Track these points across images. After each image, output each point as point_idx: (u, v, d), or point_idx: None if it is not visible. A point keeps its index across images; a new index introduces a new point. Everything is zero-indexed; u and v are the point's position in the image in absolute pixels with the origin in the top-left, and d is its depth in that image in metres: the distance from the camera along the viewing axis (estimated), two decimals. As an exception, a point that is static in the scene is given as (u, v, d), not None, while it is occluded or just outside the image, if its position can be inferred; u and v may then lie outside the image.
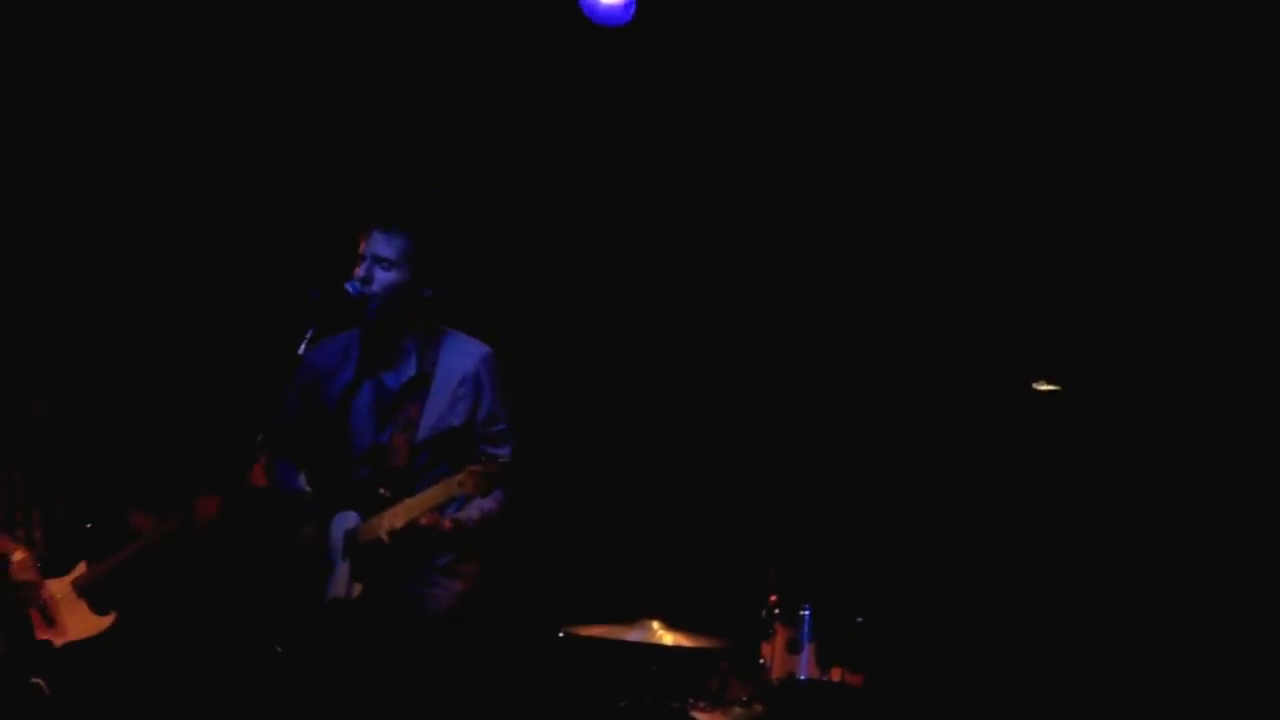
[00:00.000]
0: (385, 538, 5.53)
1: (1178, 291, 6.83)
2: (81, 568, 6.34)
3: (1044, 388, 6.93)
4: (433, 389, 5.73)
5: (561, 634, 6.26)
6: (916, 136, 7.08)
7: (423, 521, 5.54)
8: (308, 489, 5.84)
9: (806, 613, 6.19)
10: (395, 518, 5.54)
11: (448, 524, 5.61)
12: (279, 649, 6.01)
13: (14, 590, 6.20)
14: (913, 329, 7.18)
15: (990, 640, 6.81)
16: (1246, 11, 6.44)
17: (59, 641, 6.25)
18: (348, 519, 5.68)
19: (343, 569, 5.64)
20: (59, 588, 6.27)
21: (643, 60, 7.09)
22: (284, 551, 5.83)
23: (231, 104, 7.23)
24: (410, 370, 5.74)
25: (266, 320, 6.66)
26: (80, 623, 6.29)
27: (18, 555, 6.22)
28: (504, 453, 5.70)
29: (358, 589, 5.60)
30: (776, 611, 6.22)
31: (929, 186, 7.14)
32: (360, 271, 5.67)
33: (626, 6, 6.77)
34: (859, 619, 6.21)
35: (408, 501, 5.56)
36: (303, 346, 5.44)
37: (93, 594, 6.30)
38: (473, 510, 5.67)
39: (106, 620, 6.34)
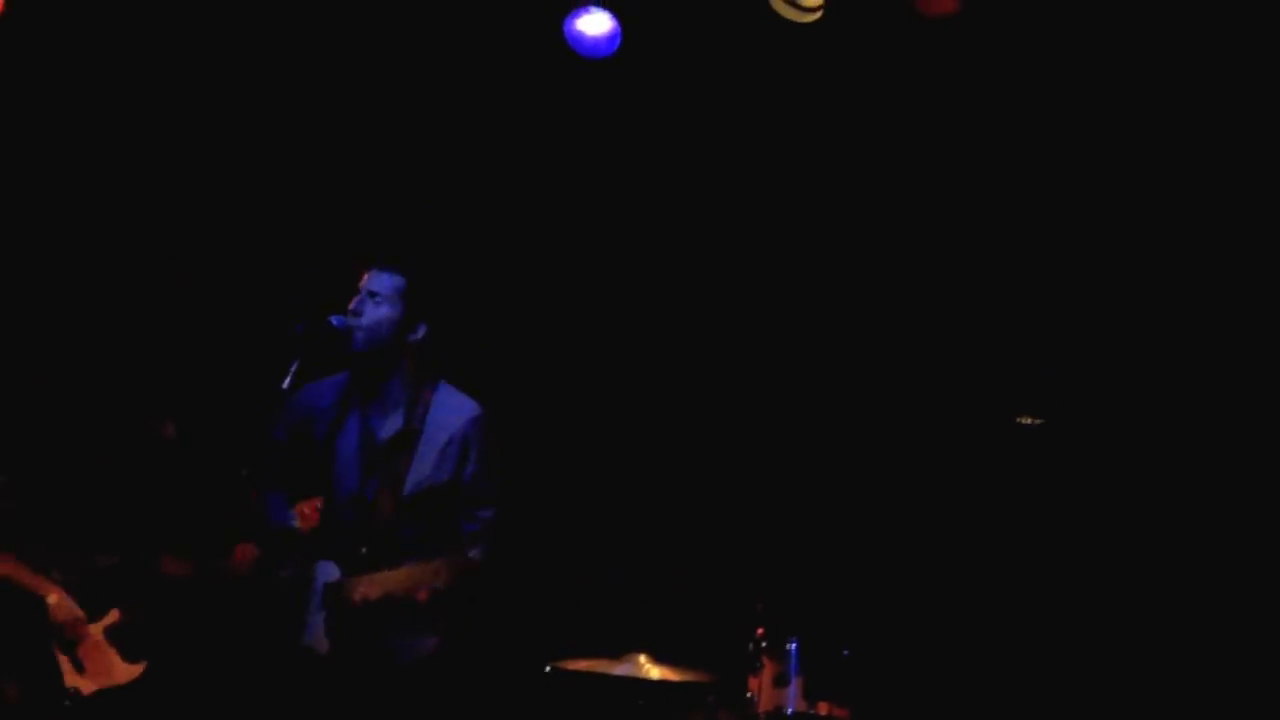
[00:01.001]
0: (359, 605, 5.50)
1: (1154, 330, 6.85)
2: (113, 614, 6.21)
3: (1028, 422, 6.94)
4: (420, 446, 5.68)
5: (548, 669, 6.23)
6: (901, 170, 7.11)
7: (401, 593, 5.51)
8: (297, 524, 5.82)
9: (793, 646, 6.16)
10: (370, 588, 5.50)
11: (423, 596, 5.56)
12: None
13: (59, 631, 6.06)
14: (898, 363, 7.19)
15: (976, 673, 6.81)
16: (1226, 57, 6.48)
17: (88, 689, 6.10)
18: (329, 570, 5.64)
19: (318, 621, 5.60)
20: (91, 631, 6.16)
21: (629, 92, 7.11)
22: (265, 588, 5.81)
23: (225, 137, 7.23)
24: (399, 423, 5.70)
25: (256, 355, 6.63)
26: (110, 670, 6.14)
27: (53, 598, 6.07)
28: (486, 515, 5.70)
29: (327, 645, 5.57)
30: (763, 645, 6.20)
31: (916, 223, 7.16)
32: (352, 305, 5.67)
33: (611, 39, 6.78)
34: (846, 652, 6.20)
35: (383, 575, 5.50)
36: (287, 380, 5.41)
37: (124, 641, 6.19)
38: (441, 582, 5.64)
39: (137, 669, 6.19)
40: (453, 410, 5.75)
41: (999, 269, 7.07)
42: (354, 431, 5.73)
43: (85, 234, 7.12)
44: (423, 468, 5.68)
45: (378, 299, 5.64)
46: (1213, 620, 6.64)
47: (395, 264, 5.68)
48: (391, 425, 5.71)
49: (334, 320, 5.61)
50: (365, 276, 5.69)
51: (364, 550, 5.57)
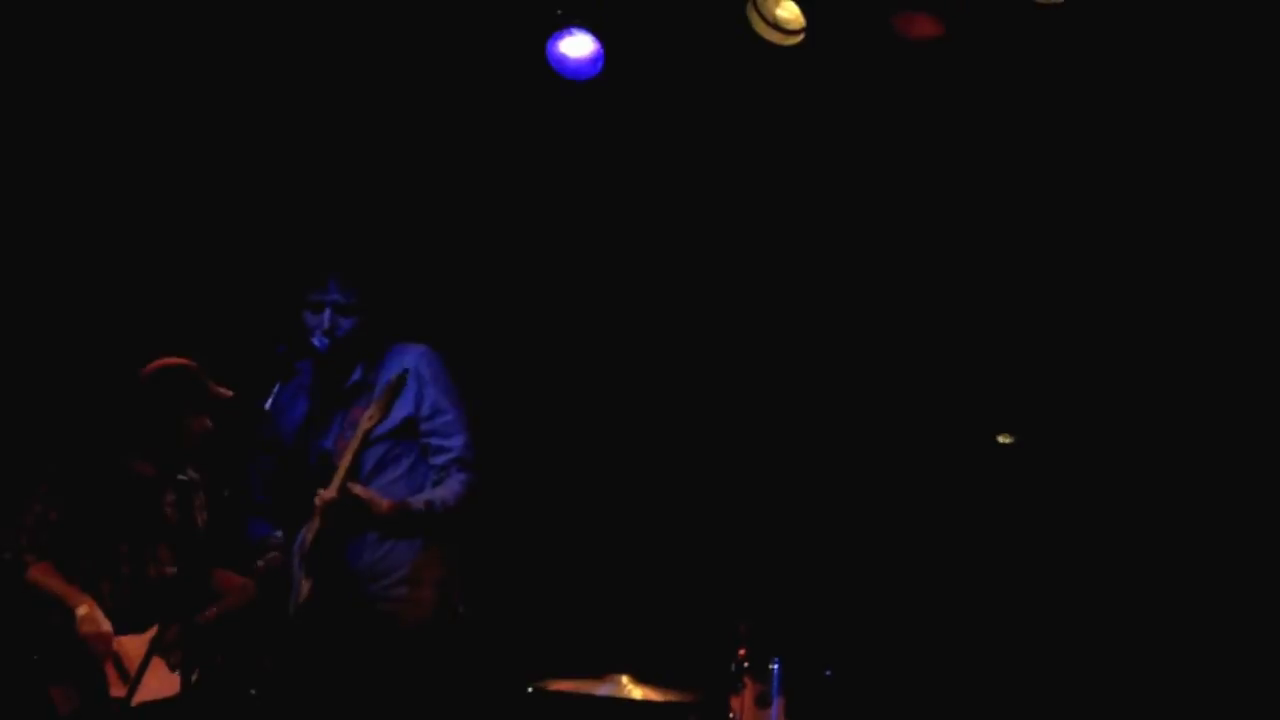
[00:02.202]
0: (322, 521, 5.50)
1: (1128, 351, 6.89)
2: (161, 625, 6.08)
3: (1007, 441, 6.97)
4: (375, 391, 5.74)
5: (530, 689, 6.23)
6: (883, 192, 7.14)
7: (357, 493, 5.51)
8: (279, 534, 5.84)
9: (776, 666, 6.17)
10: (327, 492, 5.51)
11: (385, 504, 5.57)
12: (252, 692, 5.97)
13: (84, 646, 5.96)
14: (878, 383, 7.21)
15: (959, 693, 6.81)
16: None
17: (135, 701, 5.86)
18: (300, 533, 5.69)
19: (299, 576, 5.64)
20: (136, 644, 6.02)
21: (611, 114, 7.14)
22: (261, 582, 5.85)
23: (202, 152, 7.23)
24: (356, 375, 5.79)
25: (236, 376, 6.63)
26: (156, 680, 5.99)
27: (82, 610, 5.94)
28: (455, 443, 5.72)
29: (307, 587, 5.58)
30: (746, 665, 6.20)
31: (896, 244, 7.19)
32: (325, 323, 5.70)
33: (594, 61, 6.81)
34: (828, 673, 6.21)
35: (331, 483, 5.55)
36: (269, 401, 5.44)
37: (171, 652, 6.06)
38: (418, 499, 5.66)
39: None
40: (401, 354, 5.85)
41: (978, 293, 7.10)
42: (326, 424, 5.80)
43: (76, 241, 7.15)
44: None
45: (346, 311, 5.70)
46: (1195, 635, 6.65)
47: (355, 274, 5.74)
48: (350, 380, 5.82)
49: (315, 342, 5.66)
50: (322, 289, 5.73)
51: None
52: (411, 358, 5.80)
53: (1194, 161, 6.68)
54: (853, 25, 6.65)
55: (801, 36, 6.66)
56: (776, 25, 6.70)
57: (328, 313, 5.70)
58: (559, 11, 6.76)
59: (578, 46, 6.80)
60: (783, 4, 6.67)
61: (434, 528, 5.69)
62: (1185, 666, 6.64)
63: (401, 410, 5.70)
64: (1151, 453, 6.81)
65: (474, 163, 7.32)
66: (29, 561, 6.04)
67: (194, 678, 5.90)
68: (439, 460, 5.73)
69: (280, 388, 5.48)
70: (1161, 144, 6.69)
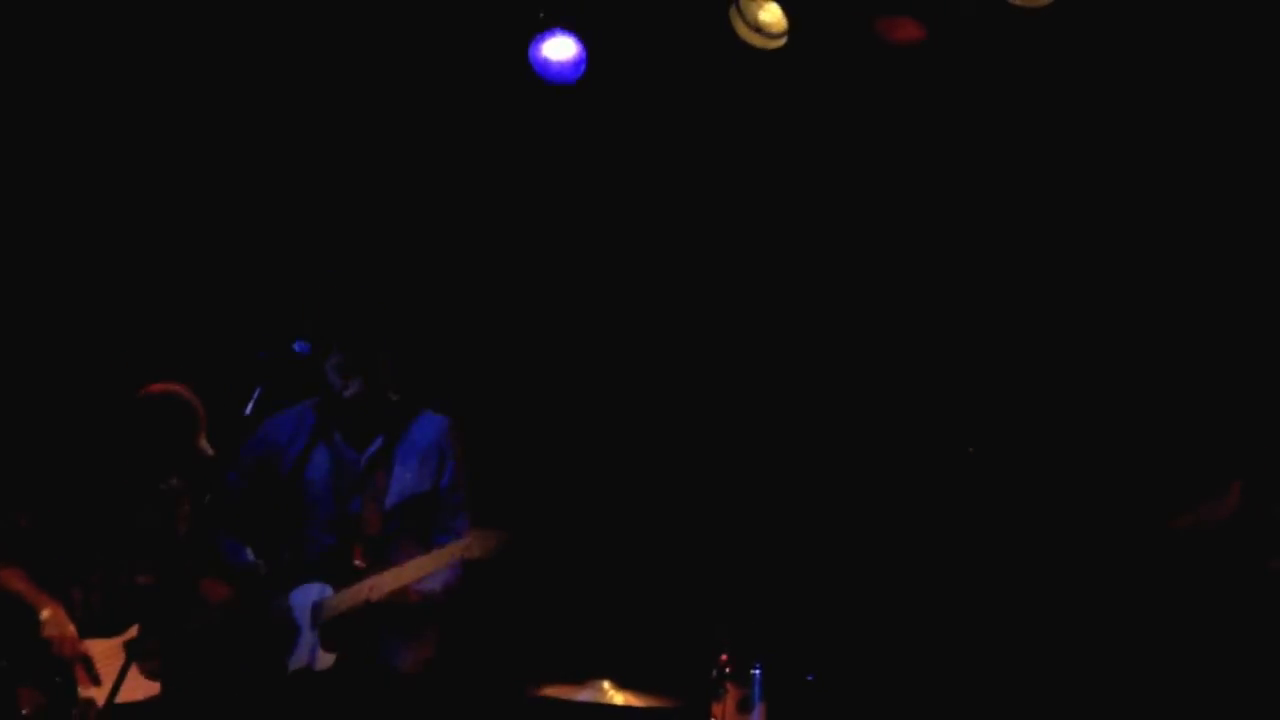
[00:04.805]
0: (367, 605, 5.51)
1: (1099, 362, 6.92)
2: (135, 630, 6.06)
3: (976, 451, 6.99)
4: (398, 457, 5.78)
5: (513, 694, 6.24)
6: (863, 199, 7.15)
7: (404, 587, 5.54)
8: (259, 561, 5.83)
9: (757, 672, 6.18)
10: (381, 586, 5.53)
11: (414, 597, 5.59)
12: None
13: (48, 646, 5.96)
14: (857, 389, 7.22)
15: (941, 697, 6.82)
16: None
17: (102, 701, 5.86)
18: (312, 590, 5.64)
19: (309, 639, 5.61)
20: (107, 647, 6.03)
21: (593, 118, 7.13)
22: (249, 624, 5.80)
23: (196, 165, 7.23)
24: (378, 444, 5.78)
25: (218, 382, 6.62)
26: (130, 686, 5.97)
27: (45, 613, 5.97)
28: (461, 525, 5.73)
29: (329, 660, 5.57)
30: (727, 671, 6.20)
31: (879, 251, 7.20)
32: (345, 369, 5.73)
33: (577, 64, 6.81)
34: (810, 678, 6.22)
35: (396, 570, 5.55)
36: (249, 407, 5.41)
37: (144, 657, 6.01)
38: (435, 582, 5.66)
39: (155, 685, 6.04)
40: (426, 424, 5.86)
41: (958, 299, 7.11)
42: (323, 460, 5.78)
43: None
44: (403, 479, 5.77)
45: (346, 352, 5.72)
46: (1173, 640, 6.67)
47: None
48: (371, 448, 5.79)
49: (297, 347, 5.63)
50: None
51: (359, 563, 5.61)
52: (435, 429, 5.84)
53: (1172, 170, 6.70)
54: (835, 29, 6.66)
55: (784, 40, 6.67)
56: (759, 29, 6.71)
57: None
58: (541, 15, 6.76)
59: (560, 49, 6.80)
60: (765, 7, 6.68)
61: (444, 607, 5.75)
62: (1164, 670, 6.65)
63: (426, 482, 5.77)
64: (1126, 459, 6.82)
65: (454, 166, 7.32)
66: None
67: (171, 685, 5.92)
68: (442, 539, 5.73)
69: (261, 394, 5.44)
70: (1139, 153, 6.71)
